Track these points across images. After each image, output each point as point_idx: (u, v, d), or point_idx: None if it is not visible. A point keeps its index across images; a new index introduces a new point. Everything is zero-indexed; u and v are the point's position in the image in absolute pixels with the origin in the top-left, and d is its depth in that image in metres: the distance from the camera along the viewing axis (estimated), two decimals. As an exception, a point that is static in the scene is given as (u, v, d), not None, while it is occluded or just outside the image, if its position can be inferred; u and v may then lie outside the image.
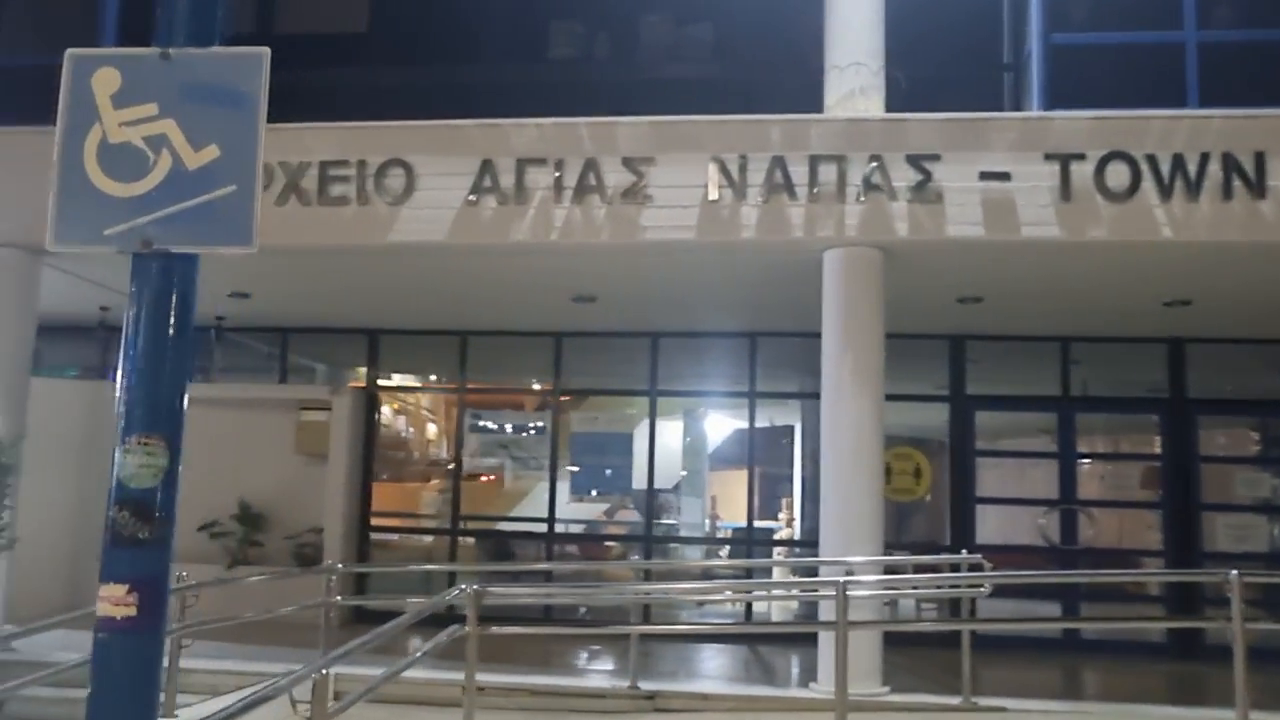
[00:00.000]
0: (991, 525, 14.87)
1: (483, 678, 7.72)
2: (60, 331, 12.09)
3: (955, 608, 10.29)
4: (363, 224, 8.36)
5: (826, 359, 8.02)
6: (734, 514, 13.46)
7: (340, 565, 7.76)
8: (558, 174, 8.17)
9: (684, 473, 15.57)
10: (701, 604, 11.71)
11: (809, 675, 7.99)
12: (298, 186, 8.41)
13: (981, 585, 7.22)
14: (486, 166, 8.24)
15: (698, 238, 8.05)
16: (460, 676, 7.52)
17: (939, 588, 7.90)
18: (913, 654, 9.35)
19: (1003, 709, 7.16)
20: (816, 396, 8.18)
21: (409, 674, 7.19)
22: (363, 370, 11.97)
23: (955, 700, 7.28)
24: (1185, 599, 10.25)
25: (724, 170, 8.01)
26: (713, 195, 7.99)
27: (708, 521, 15.41)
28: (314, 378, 12.91)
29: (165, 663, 6.39)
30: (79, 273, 9.50)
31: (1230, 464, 11.01)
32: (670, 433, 16.06)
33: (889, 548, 11.42)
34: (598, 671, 8.01)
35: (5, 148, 8.61)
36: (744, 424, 11.75)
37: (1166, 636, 10.37)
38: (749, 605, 10.94)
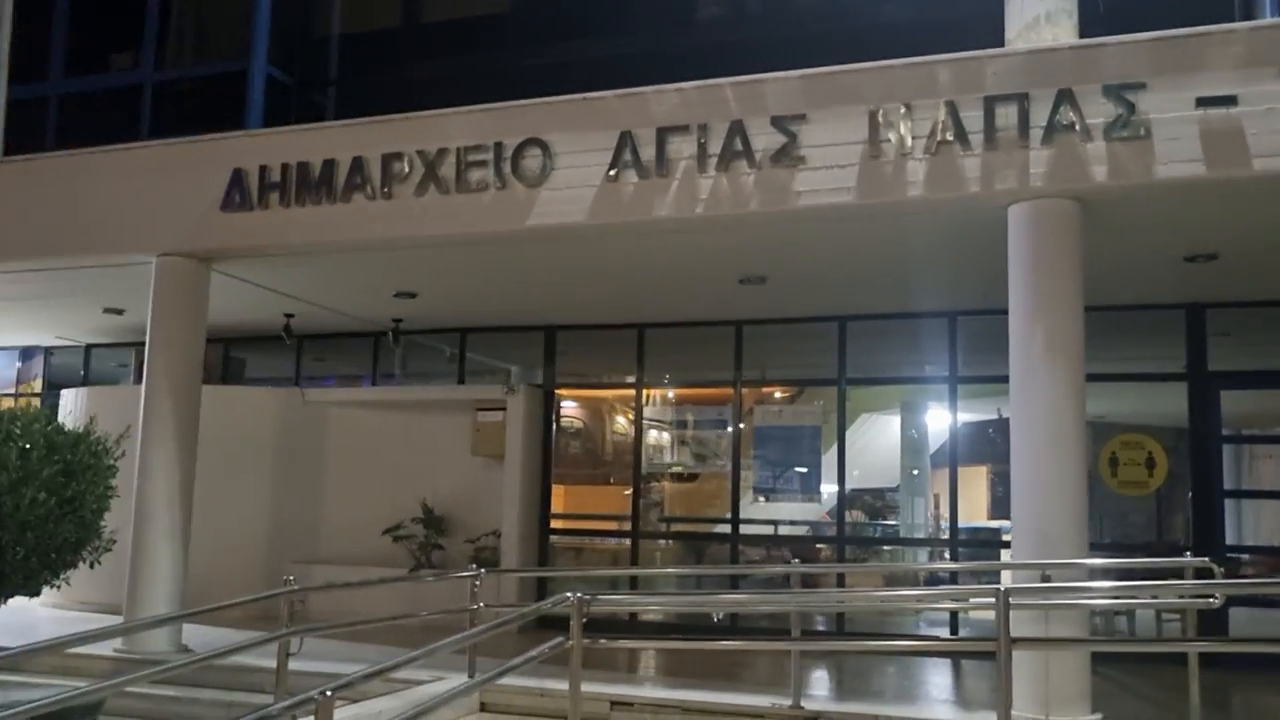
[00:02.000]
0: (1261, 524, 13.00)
1: (630, 691, 7.18)
2: (255, 341, 12.46)
3: (1202, 619, 8.86)
4: (501, 209, 7.94)
5: (1014, 333, 6.90)
6: (968, 514, 12.27)
7: (482, 570, 7.35)
8: (701, 141, 7.46)
9: (913, 471, 14.51)
10: (918, 613, 10.64)
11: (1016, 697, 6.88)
12: (436, 175, 8.09)
13: (1212, 596, 5.93)
14: (625, 139, 7.63)
15: (858, 200, 7.12)
16: (604, 690, 7.05)
17: (1154, 598, 6.60)
18: (1148, 674, 8.04)
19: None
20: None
21: (552, 685, 6.74)
22: (545, 368, 11.64)
23: (1186, 735, 6.04)
24: None
25: (886, 122, 7.05)
26: (874, 152, 7.05)
27: (931, 522, 14.29)
28: (506, 378, 12.72)
29: (274, 664, 6.26)
30: (249, 278, 9.60)
31: None
32: (883, 427, 15.01)
33: (1121, 549, 10.08)
34: (757, 688, 7.21)
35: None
36: (969, 415, 10.56)
37: None
38: (953, 615, 9.75)
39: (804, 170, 7.21)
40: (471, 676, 6.80)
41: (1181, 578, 6.72)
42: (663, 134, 7.55)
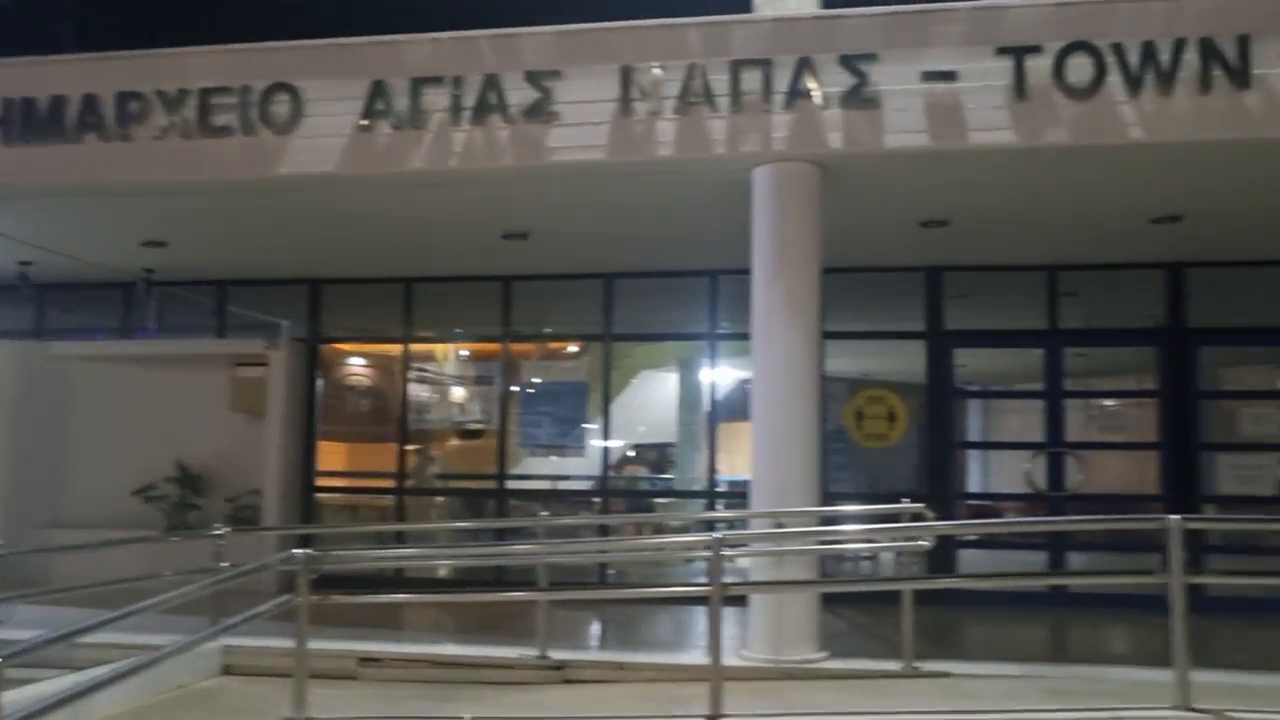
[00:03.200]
0: (991, 472, 14.01)
1: (379, 648, 7.14)
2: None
3: (932, 560, 9.53)
4: (249, 156, 7.63)
5: (756, 289, 7.18)
6: (737, 467, 12.66)
7: (228, 530, 7.14)
8: (456, 93, 7.37)
9: (689, 426, 14.88)
10: (689, 561, 10.95)
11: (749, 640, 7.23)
12: (178, 117, 7.69)
13: (922, 538, 6.39)
14: (378, 88, 7.46)
15: (609, 157, 7.22)
16: (352, 647, 6.99)
17: (869, 542, 7.06)
18: (885, 614, 8.59)
19: (946, 674, 6.37)
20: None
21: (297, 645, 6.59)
22: (309, 323, 11.29)
23: (896, 665, 6.50)
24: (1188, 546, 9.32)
25: (637, 81, 7.15)
26: (626, 110, 7.15)
27: (706, 475, 14.73)
28: (275, 333, 12.25)
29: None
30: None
31: (1235, 399, 10.03)
32: (661, 384, 15.34)
33: (869, 498, 10.66)
34: (511, 640, 7.32)
35: None
36: (745, 373, 10.85)
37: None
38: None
39: (558, 126, 7.24)
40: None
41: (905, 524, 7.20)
42: (417, 85, 7.42)
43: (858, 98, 6.89)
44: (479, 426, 11.56)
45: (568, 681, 6.72)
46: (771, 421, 7.00)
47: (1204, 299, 9.75)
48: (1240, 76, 6.52)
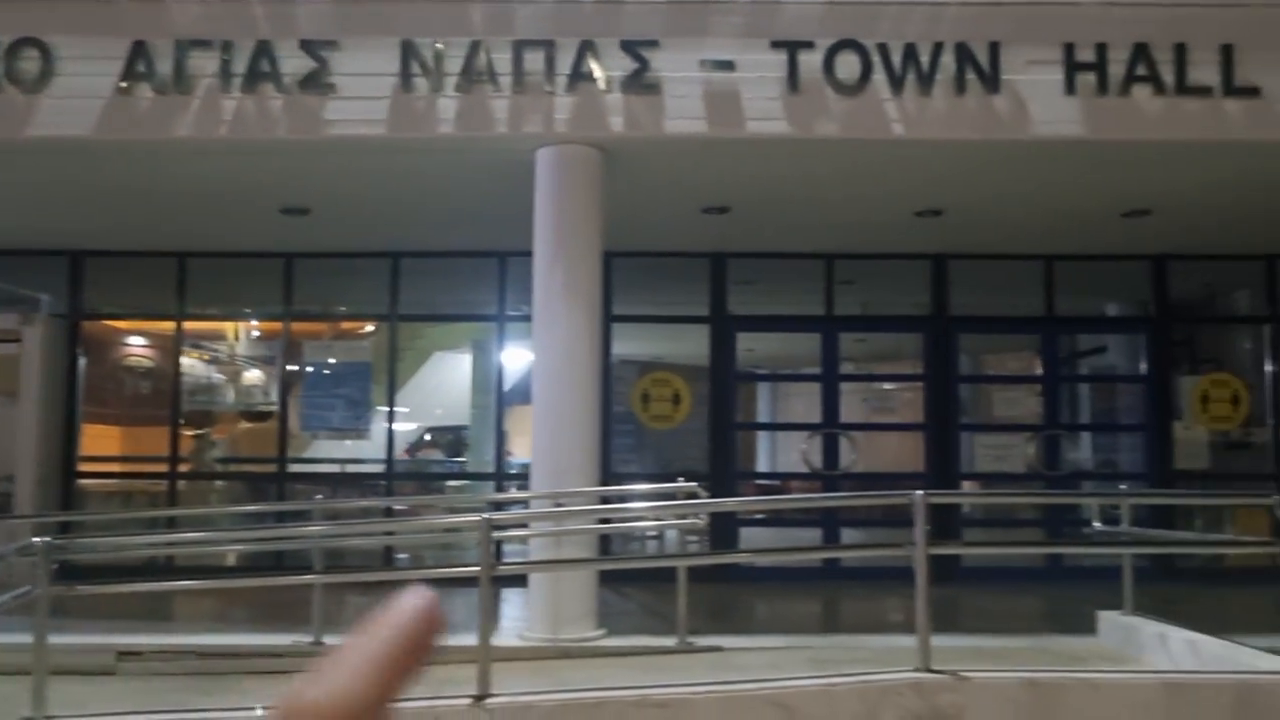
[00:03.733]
0: (779, 452, 14.52)
1: (142, 640, 6.78)
2: None
3: (716, 538, 9.81)
4: (-7, 116, 7.06)
5: (537, 272, 7.20)
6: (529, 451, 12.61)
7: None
8: (226, 59, 7.03)
9: (483, 408, 14.74)
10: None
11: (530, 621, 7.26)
12: (-90, 70, 7.04)
13: (696, 516, 6.57)
14: (140, 49, 7.02)
15: (389, 133, 7.05)
16: (109, 640, 6.62)
17: (640, 520, 7.22)
18: (662, 592, 8.78)
19: (718, 648, 6.58)
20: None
21: (54, 639, 6.19)
22: (70, 298, 10.56)
23: (672, 642, 6.66)
24: (942, 521, 9.95)
25: (418, 57, 7.01)
26: (406, 85, 7.00)
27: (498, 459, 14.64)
28: (35, 307, 11.40)
29: None
30: None
31: (989, 383, 10.76)
32: (455, 365, 15.15)
33: (652, 478, 10.85)
34: (287, 628, 7.10)
35: None
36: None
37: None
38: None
39: (335, 99, 7.02)
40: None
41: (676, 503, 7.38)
42: (183, 48, 7.03)
43: (639, 83, 6.97)
44: (261, 408, 11.14)
45: (341, 667, 6.56)
46: (551, 403, 7.03)
47: (964, 289, 10.40)
48: (991, 81, 6.96)
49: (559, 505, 6.78)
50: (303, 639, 6.67)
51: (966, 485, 10.13)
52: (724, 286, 10.29)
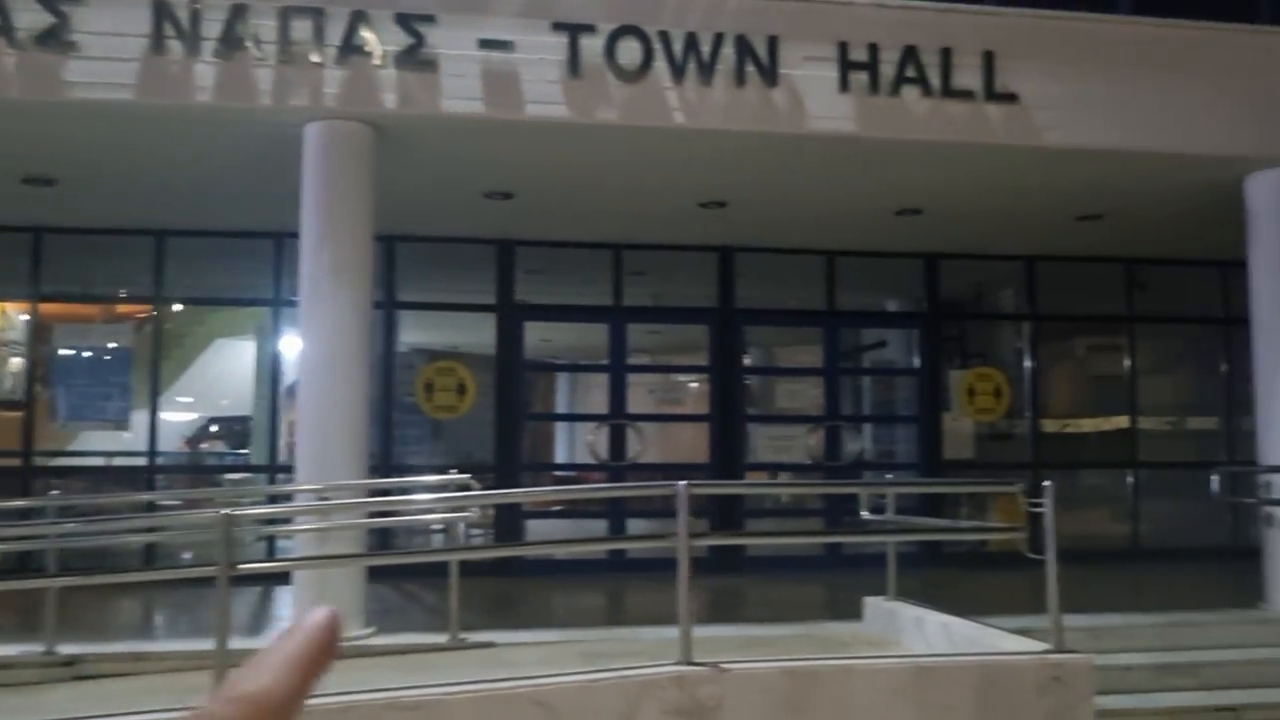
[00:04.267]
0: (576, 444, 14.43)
1: None
2: None
3: (502, 533, 9.63)
4: None
5: (304, 253, 6.82)
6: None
7: None
8: (-53, 8, 6.34)
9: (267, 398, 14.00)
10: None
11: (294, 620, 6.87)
12: None
13: (471, 509, 6.36)
14: None
15: (138, 98, 6.52)
16: None
17: (405, 513, 6.97)
18: (442, 587, 8.52)
19: (490, 644, 6.39)
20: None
21: None
22: None
23: (443, 638, 6.43)
24: (727, 512, 10.10)
25: (171, 17, 6.50)
26: (158, 48, 6.48)
27: (286, 450, 13.99)
28: None
29: None
30: None
31: (773, 375, 10.97)
32: (237, 352, 14.36)
33: (438, 469, 10.55)
34: (11, 638, 6.48)
35: None
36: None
37: (709, 551, 10.19)
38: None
39: (77, 58, 6.43)
40: None
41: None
42: (-104, -7, 6.31)
43: (414, 59, 6.69)
44: (5, 397, 10.22)
45: (79, 678, 6.03)
46: (317, 391, 6.68)
47: (751, 282, 10.55)
48: (769, 74, 7.02)
49: (325, 499, 6.43)
50: (34, 648, 6.10)
51: (751, 476, 10.29)
52: (511, 275, 10.09)
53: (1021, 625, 7.22)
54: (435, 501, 6.61)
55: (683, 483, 4.71)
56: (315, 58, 6.60)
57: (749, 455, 10.44)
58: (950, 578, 9.80)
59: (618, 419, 10.13)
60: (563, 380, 16.98)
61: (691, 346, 13.11)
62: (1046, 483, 5.10)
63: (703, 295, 10.92)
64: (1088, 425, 11.56)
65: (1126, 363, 11.34)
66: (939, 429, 10.68)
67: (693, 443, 10.38)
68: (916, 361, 10.90)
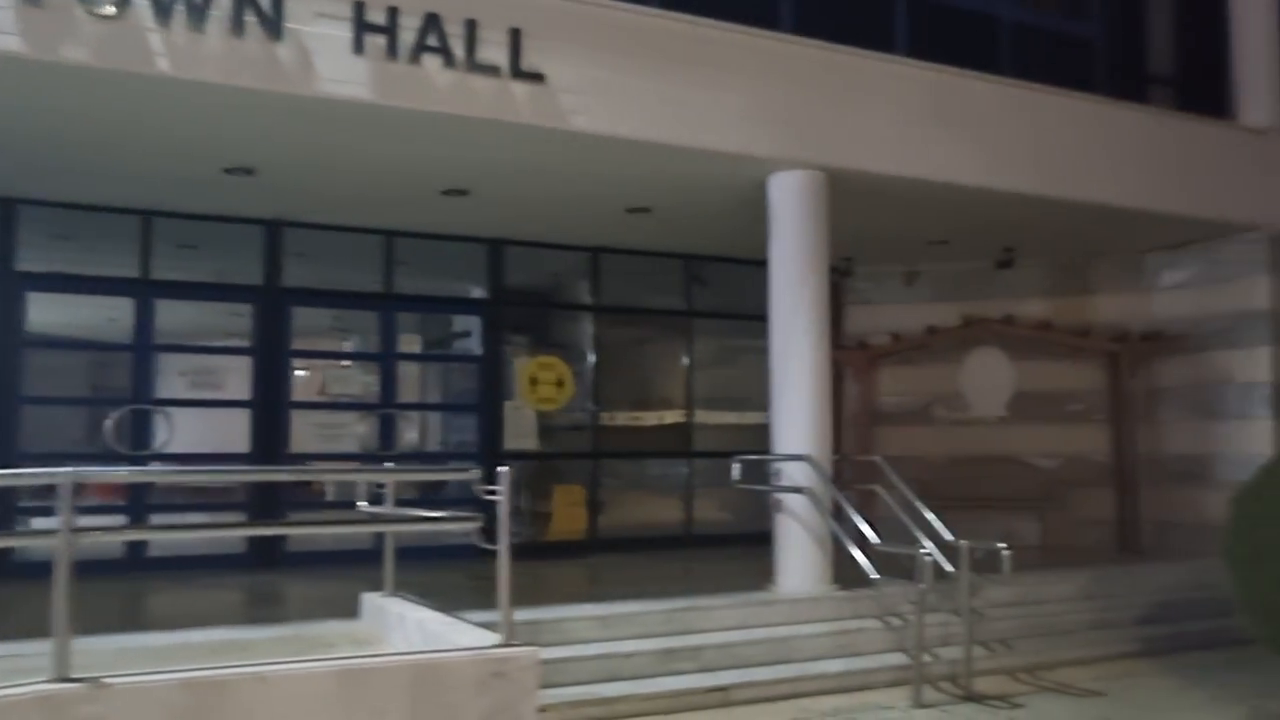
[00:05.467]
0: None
1: None
2: None
3: None
4: None
5: None
6: None
7: None
8: None
9: None
10: None
11: None
12: None
13: None
14: None
15: None
16: None
17: None
18: None
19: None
20: None
21: None
22: None
23: None
24: (265, 504, 9.39)
25: None
26: None
27: None
28: None
29: None
30: None
31: (324, 359, 10.37)
32: None
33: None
34: None
35: None
36: None
37: (247, 546, 9.44)
38: None
39: None
40: None
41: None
42: None
43: None
44: None
45: None
46: None
47: (304, 261, 9.87)
48: (273, 27, 6.41)
49: None
50: None
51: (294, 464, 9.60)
52: (13, 239, 8.83)
53: (532, 618, 7.14)
54: None
55: (67, 470, 4.04)
56: None
57: (298, 444, 9.75)
58: (490, 570, 9.57)
59: (142, 404, 9.11)
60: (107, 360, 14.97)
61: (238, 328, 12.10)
62: (502, 469, 4.86)
63: (240, 271, 10.05)
64: (649, 417, 11.84)
65: (685, 357, 11.72)
66: (500, 418, 10.50)
67: (236, 431, 9.54)
68: (479, 349, 10.65)
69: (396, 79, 6.76)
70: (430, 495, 9.99)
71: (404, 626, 5.72)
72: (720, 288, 11.60)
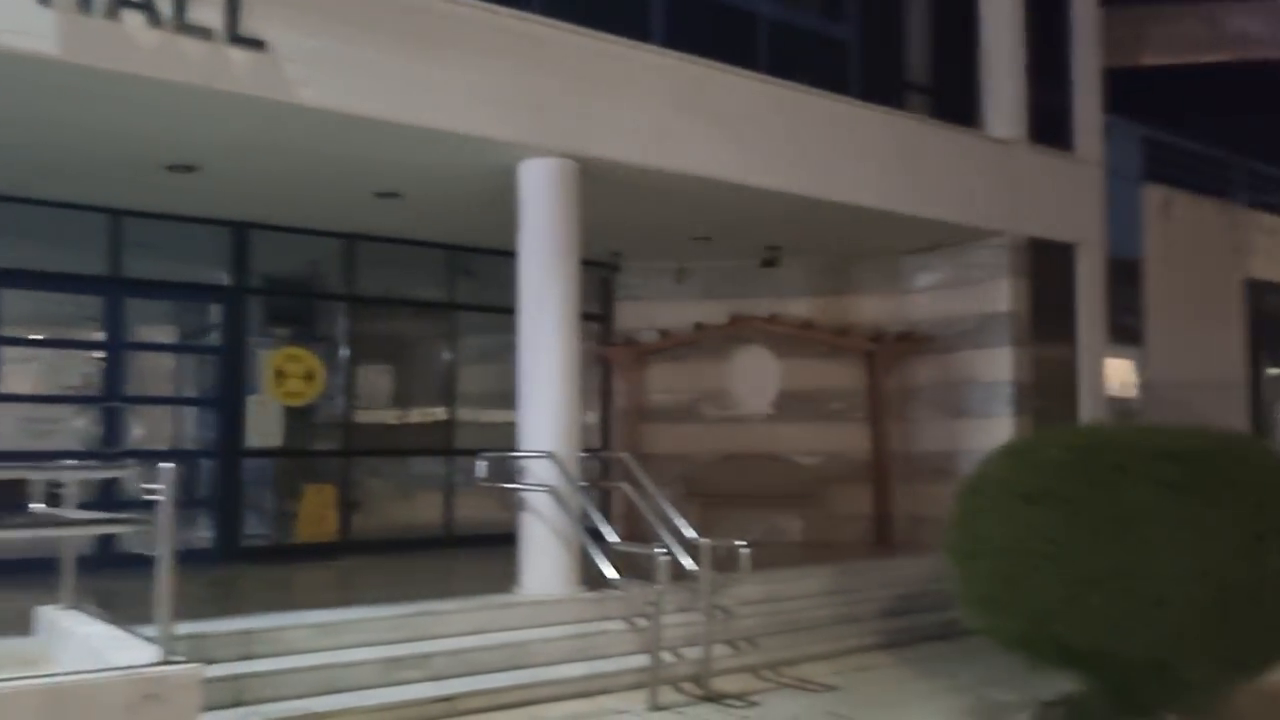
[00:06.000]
0: None
1: None
2: None
3: None
4: None
5: None
6: None
7: None
8: None
9: None
10: None
11: None
12: None
13: None
14: None
15: None
16: None
17: None
18: None
19: None
20: None
21: None
22: None
23: None
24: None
25: None
26: None
27: None
28: None
29: None
30: None
31: (36, 347, 9.45)
32: None
33: None
34: None
35: None
36: None
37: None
38: None
39: None
40: None
41: None
42: None
43: None
44: None
45: None
46: None
47: (17, 240, 8.94)
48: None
49: None
50: None
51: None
52: None
53: (244, 627, 6.61)
54: None
55: None
56: None
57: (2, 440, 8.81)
58: (236, 575, 8.99)
59: None
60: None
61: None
62: (165, 465, 4.35)
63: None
64: (409, 413, 11.36)
65: (448, 351, 11.31)
66: (241, 413, 9.81)
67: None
68: (218, 339, 9.93)
69: (90, 34, 6.08)
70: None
71: (74, 644, 5.11)
72: (487, 280, 11.22)
